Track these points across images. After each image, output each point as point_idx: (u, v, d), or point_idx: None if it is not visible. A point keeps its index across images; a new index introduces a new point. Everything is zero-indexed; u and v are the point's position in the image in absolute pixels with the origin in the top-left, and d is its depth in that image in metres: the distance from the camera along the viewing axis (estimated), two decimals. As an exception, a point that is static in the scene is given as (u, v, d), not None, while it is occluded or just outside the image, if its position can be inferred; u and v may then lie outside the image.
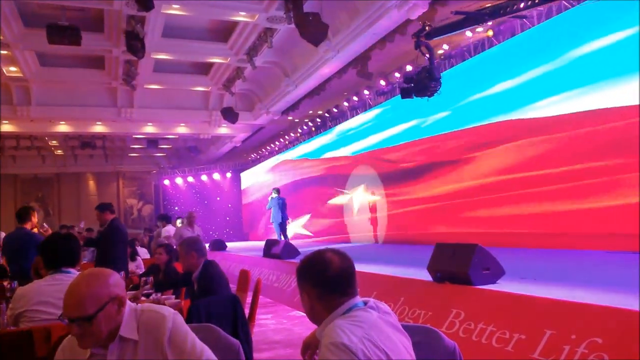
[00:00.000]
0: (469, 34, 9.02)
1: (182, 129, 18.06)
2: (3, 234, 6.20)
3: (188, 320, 2.69)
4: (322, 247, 1.76)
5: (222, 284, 3.75)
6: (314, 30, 8.50)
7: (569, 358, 2.85)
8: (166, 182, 23.41)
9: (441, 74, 9.49)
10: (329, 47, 10.93)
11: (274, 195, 11.88)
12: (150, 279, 4.39)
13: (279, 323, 5.97)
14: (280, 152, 18.69)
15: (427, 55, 7.91)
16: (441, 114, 10.02)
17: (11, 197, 21.72)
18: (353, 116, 13.51)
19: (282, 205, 11.81)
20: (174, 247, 6.00)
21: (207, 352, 1.74)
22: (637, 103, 6.13)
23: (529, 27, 8.10)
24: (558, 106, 7.44)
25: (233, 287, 4.43)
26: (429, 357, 1.73)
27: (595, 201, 6.82)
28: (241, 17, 10.69)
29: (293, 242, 10.54)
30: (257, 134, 18.94)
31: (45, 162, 22.75)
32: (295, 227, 16.15)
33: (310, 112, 15.87)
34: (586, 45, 7.08)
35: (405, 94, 8.42)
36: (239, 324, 3.25)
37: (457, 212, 9.47)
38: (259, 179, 20.74)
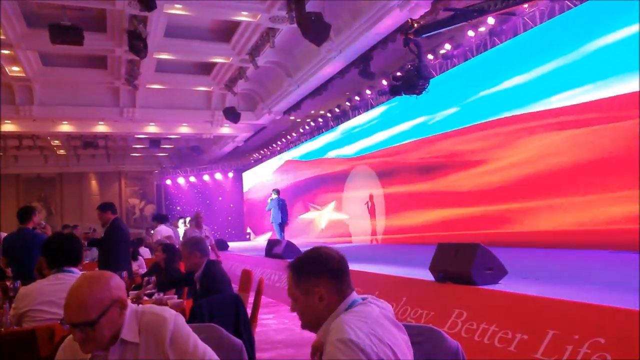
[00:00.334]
0: (471, 33, 9.02)
1: (184, 129, 18.08)
2: (4, 234, 6.20)
3: (191, 320, 2.70)
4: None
5: (224, 284, 3.75)
6: (316, 30, 8.49)
7: (572, 358, 2.84)
8: (168, 182, 23.45)
9: (446, 72, 9.50)
10: (331, 47, 10.93)
11: (274, 196, 11.89)
12: (153, 278, 4.39)
13: (281, 323, 5.97)
14: (282, 152, 18.70)
15: (416, 53, 7.87)
16: (449, 110, 9.94)
17: (13, 196, 21.76)
18: (355, 116, 13.51)
19: (282, 206, 11.83)
20: (176, 246, 6.01)
21: (210, 353, 1.73)
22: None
23: (532, 27, 8.10)
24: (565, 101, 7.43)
25: (235, 287, 4.43)
26: (431, 357, 1.72)
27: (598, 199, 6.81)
28: (243, 16, 10.70)
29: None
30: (259, 134, 18.95)
31: (48, 162, 22.78)
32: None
33: (313, 112, 15.87)
34: (589, 44, 7.07)
35: (394, 91, 8.42)
36: (241, 324, 3.25)
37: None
38: (262, 179, 20.76)
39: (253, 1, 10.03)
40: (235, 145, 20.80)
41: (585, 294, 3.55)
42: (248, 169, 22.46)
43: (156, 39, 11.33)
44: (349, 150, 13.82)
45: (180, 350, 1.66)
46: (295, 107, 15.25)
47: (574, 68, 7.28)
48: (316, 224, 15.63)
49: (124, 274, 4.82)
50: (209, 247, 7.80)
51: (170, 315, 1.71)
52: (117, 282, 1.68)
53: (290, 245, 9.03)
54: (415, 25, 7.69)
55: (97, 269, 6.27)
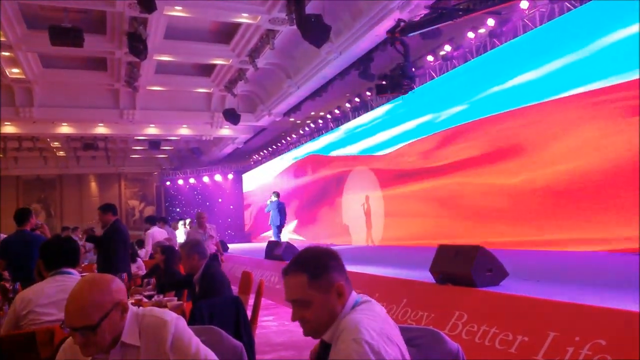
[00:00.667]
0: (471, 34, 9.02)
1: (184, 131, 18.08)
2: (3, 236, 6.19)
3: (190, 322, 2.69)
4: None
5: (223, 286, 3.75)
6: (316, 31, 8.50)
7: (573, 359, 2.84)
8: (168, 183, 23.44)
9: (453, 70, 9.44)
10: (331, 49, 10.95)
11: (274, 198, 11.89)
12: (153, 280, 4.39)
13: (281, 325, 5.96)
14: (283, 153, 18.70)
15: (402, 53, 7.85)
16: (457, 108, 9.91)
17: (13, 198, 21.75)
18: (355, 117, 13.52)
19: (281, 209, 11.83)
20: (175, 248, 6.00)
21: (211, 356, 1.72)
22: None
23: (532, 29, 8.10)
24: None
25: (235, 288, 4.43)
26: (432, 359, 1.72)
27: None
28: (243, 18, 10.71)
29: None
30: (259, 136, 18.96)
31: (48, 164, 22.78)
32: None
33: (312, 113, 15.87)
34: (589, 46, 7.08)
35: (381, 90, 8.42)
36: (241, 326, 3.25)
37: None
38: (262, 181, 20.76)
39: (253, 3, 10.04)
40: (235, 147, 20.81)
41: (586, 295, 3.55)
42: (248, 170, 22.46)
43: (156, 40, 11.34)
44: (352, 149, 13.77)
45: (181, 353, 1.65)
46: (295, 108, 15.25)
47: (575, 69, 7.28)
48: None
49: (124, 276, 4.82)
50: (215, 245, 7.77)
51: (171, 318, 1.70)
52: (118, 285, 1.67)
53: (290, 246, 9.02)
54: (402, 24, 7.68)
55: (95, 270, 6.27)
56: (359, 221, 13.05)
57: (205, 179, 23.10)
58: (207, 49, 12.57)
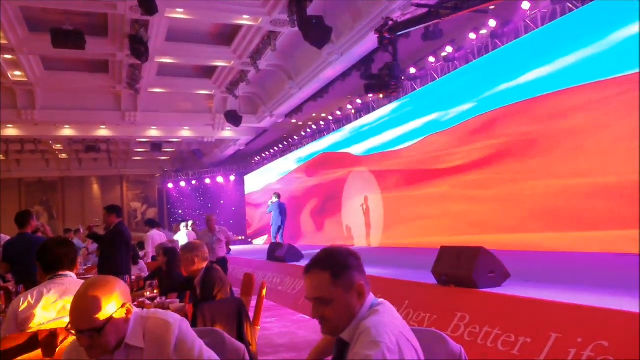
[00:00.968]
0: (472, 35, 9.01)
1: (185, 132, 18.11)
2: (7, 237, 6.20)
3: (193, 324, 2.69)
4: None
5: (223, 289, 3.74)
6: (317, 33, 8.51)
7: (575, 361, 2.83)
8: (170, 185, 23.47)
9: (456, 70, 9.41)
10: (332, 50, 10.96)
11: (275, 199, 11.90)
12: (155, 282, 4.40)
13: (283, 327, 5.96)
14: (284, 155, 18.71)
15: (391, 52, 7.82)
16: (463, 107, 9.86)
17: (15, 200, 21.83)
18: (357, 119, 13.51)
19: (282, 210, 11.85)
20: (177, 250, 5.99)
21: (214, 358, 1.72)
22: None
23: (533, 29, 8.10)
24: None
25: (237, 290, 4.43)
26: (434, 361, 1.72)
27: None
28: (245, 20, 10.73)
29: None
30: (261, 137, 18.98)
31: (50, 166, 22.84)
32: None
33: (314, 114, 15.88)
34: (591, 46, 7.07)
35: (369, 89, 8.41)
36: (243, 328, 3.25)
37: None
38: (265, 182, 20.77)
39: (254, 5, 10.06)
40: (236, 149, 20.84)
41: (588, 297, 3.54)
42: (250, 172, 22.48)
43: (157, 43, 11.37)
44: (357, 149, 13.72)
45: (185, 355, 1.66)
46: (296, 110, 15.26)
47: (575, 70, 7.27)
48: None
49: (125, 278, 4.83)
50: (225, 243, 7.72)
51: (175, 320, 1.71)
52: (122, 287, 1.68)
53: (292, 248, 9.03)
54: (390, 22, 7.65)
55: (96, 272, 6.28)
56: (360, 222, 13.07)
57: (207, 180, 23.12)
58: (209, 51, 12.60)
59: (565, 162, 7.37)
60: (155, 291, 4.16)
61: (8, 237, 5.83)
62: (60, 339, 2.45)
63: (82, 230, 10.81)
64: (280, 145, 18.73)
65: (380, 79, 7.97)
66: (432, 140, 10.41)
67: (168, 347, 1.64)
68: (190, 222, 11.96)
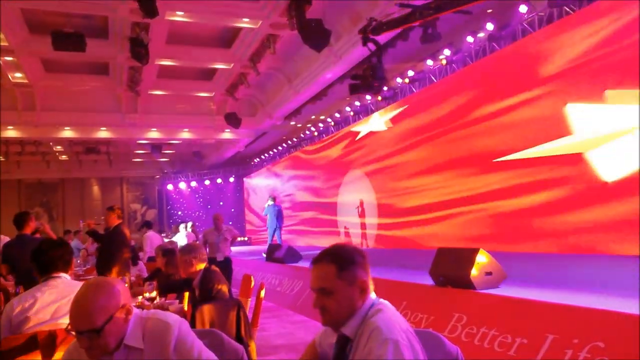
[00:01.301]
0: (470, 39, 9.04)
1: (185, 134, 18.15)
2: (7, 239, 6.22)
3: (192, 325, 2.71)
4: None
5: (222, 290, 3.76)
6: (316, 36, 8.54)
7: (571, 362, 2.85)
8: (170, 187, 23.49)
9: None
10: (331, 53, 10.99)
11: (270, 202, 11.93)
12: (154, 283, 4.41)
13: (282, 327, 5.97)
14: (283, 156, 18.73)
15: (375, 53, 7.82)
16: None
17: (15, 202, 21.82)
18: (355, 121, 13.53)
19: (278, 213, 11.88)
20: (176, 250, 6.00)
21: (214, 359, 1.73)
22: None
23: (531, 32, 8.12)
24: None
25: (236, 291, 4.45)
26: (431, 361, 1.74)
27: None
28: (244, 23, 10.77)
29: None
30: (260, 139, 19.01)
31: (50, 168, 22.83)
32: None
33: (313, 117, 15.92)
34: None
35: (354, 90, 8.44)
36: (242, 329, 3.26)
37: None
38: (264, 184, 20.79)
39: (254, 8, 10.09)
40: (236, 151, 20.86)
41: (585, 298, 3.56)
42: (249, 174, 22.50)
43: (158, 45, 11.39)
44: (356, 151, 13.73)
45: (184, 355, 1.67)
46: (295, 112, 15.30)
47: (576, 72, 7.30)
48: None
49: (124, 279, 4.84)
50: (229, 241, 7.71)
51: (175, 321, 1.71)
52: (122, 288, 1.68)
53: (291, 249, 9.05)
54: (373, 23, 7.66)
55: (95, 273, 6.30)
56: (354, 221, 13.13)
57: (207, 182, 23.14)
58: (209, 54, 12.64)
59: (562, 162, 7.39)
60: (154, 292, 4.18)
61: (8, 239, 5.85)
62: (60, 340, 2.46)
63: (81, 225, 10.76)
64: (280, 147, 18.77)
65: (364, 79, 8.00)
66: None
67: (168, 348, 1.65)
68: (189, 224, 11.98)
